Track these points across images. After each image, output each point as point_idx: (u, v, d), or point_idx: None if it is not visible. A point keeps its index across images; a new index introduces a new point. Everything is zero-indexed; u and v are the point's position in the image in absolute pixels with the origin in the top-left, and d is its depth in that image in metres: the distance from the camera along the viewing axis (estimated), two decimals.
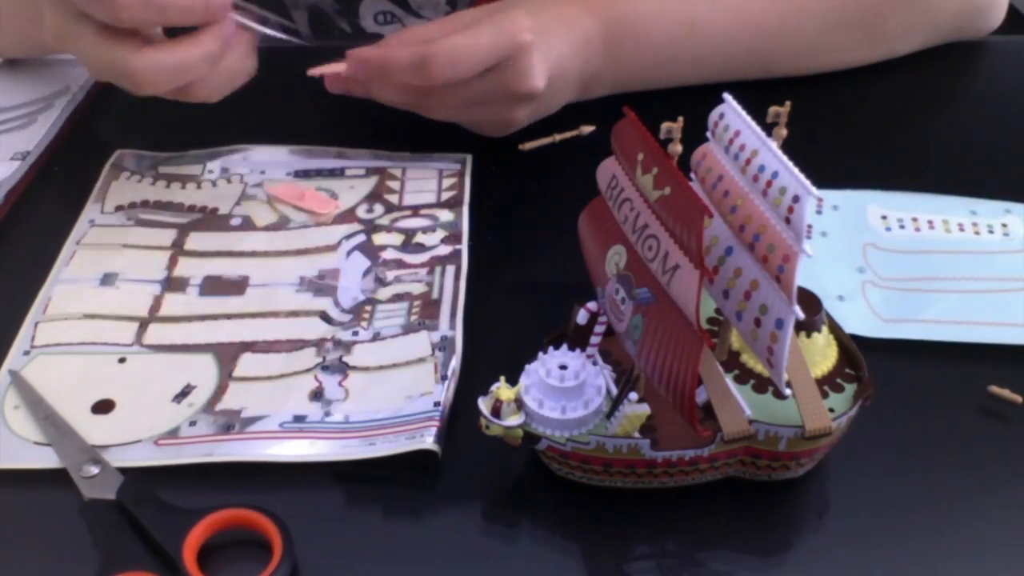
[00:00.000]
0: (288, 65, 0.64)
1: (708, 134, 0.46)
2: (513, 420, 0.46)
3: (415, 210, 0.65)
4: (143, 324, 0.57)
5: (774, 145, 0.42)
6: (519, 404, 0.46)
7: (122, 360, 0.55)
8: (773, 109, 0.43)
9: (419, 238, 0.63)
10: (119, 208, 0.65)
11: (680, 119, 0.43)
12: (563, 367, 0.46)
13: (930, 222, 0.63)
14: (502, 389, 0.46)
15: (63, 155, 0.71)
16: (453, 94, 0.63)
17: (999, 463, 0.51)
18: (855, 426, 0.48)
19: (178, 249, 0.62)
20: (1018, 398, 0.52)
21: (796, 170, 0.41)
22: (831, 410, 0.47)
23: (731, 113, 0.45)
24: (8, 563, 0.46)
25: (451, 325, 0.56)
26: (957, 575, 0.46)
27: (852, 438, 0.49)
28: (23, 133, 0.69)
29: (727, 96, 0.45)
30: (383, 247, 0.62)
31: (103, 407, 0.53)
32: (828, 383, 0.48)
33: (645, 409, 0.46)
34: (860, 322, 0.56)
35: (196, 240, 0.63)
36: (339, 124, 0.74)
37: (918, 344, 0.56)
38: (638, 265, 0.45)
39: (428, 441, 0.49)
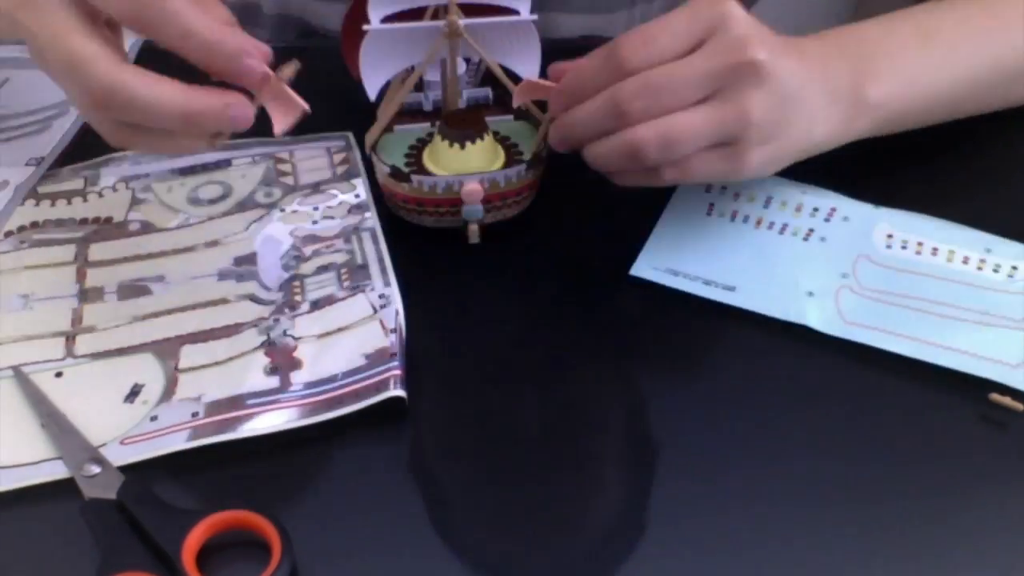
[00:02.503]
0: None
1: None
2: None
3: (315, 187, 0.66)
4: (70, 337, 0.56)
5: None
6: None
7: (59, 374, 0.54)
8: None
9: (326, 212, 0.64)
10: (8, 234, 0.63)
11: None
12: None
13: (935, 249, 0.60)
14: None
15: (74, 161, 0.69)
16: (657, 94, 0.53)
17: (1000, 471, 0.50)
18: (853, 433, 0.51)
19: (83, 261, 0.61)
20: (1019, 406, 0.52)
21: None
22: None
23: None
24: (8, 562, 0.45)
25: (385, 283, 0.58)
26: None
27: (852, 444, 0.51)
28: (39, 138, 0.69)
29: None
30: (294, 226, 0.63)
31: None
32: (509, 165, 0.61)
33: None
34: (820, 317, 0.57)
35: (99, 250, 0.62)
36: None
37: None
38: None
39: (394, 390, 0.51)
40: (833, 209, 0.63)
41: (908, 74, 0.61)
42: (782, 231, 0.62)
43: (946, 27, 0.63)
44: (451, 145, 0.60)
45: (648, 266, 0.60)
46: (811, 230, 0.62)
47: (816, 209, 0.63)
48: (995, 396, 0.52)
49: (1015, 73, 0.65)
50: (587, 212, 0.65)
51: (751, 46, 0.53)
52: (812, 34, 0.60)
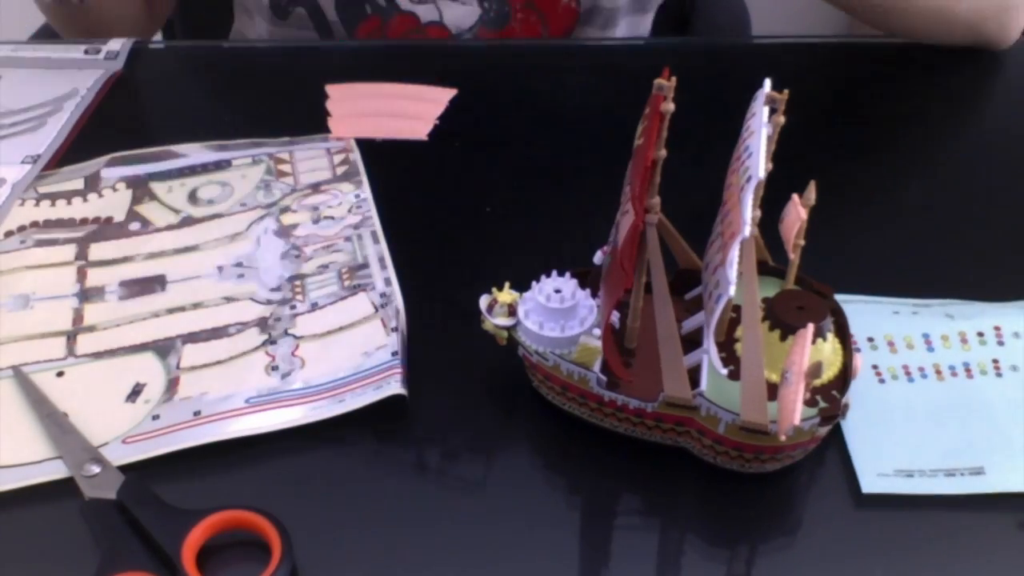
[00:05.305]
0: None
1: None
2: (501, 320, 0.49)
3: (315, 188, 0.66)
4: (71, 336, 0.56)
5: (764, 129, 0.44)
6: (512, 310, 0.50)
7: (60, 374, 0.54)
8: (770, 94, 0.44)
9: (327, 212, 0.64)
10: (9, 234, 0.63)
11: (673, 79, 0.43)
12: (557, 291, 0.49)
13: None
14: (503, 293, 0.49)
15: (70, 159, 0.69)
16: None
17: None
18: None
19: (84, 261, 0.61)
20: None
21: (763, 152, 0.42)
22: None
23: (759, 96, 0.46)
24: (8, 562, 0.45)
25: (386, 282, 0.58)
26: None
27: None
28: (33, 136, 0.69)
29: (767, 81, 0.46)
30: (294, 225, 0.63)
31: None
32: (822, 392, 0.48)
33: (598, 345, 0.49)
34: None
35: (99, 250, 0.62)
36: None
37: None
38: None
39: (395, 387, 0.51)
40: (997, 328, 0.53)
41: None
42: (968, 373, 0.52)
43: None
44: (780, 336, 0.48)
45: (874, 474, 0.48)
46: (995, 360, 0.52)
47: (980, 334, 0.54)
48: None
49: None
50: None
51: None
52: None
